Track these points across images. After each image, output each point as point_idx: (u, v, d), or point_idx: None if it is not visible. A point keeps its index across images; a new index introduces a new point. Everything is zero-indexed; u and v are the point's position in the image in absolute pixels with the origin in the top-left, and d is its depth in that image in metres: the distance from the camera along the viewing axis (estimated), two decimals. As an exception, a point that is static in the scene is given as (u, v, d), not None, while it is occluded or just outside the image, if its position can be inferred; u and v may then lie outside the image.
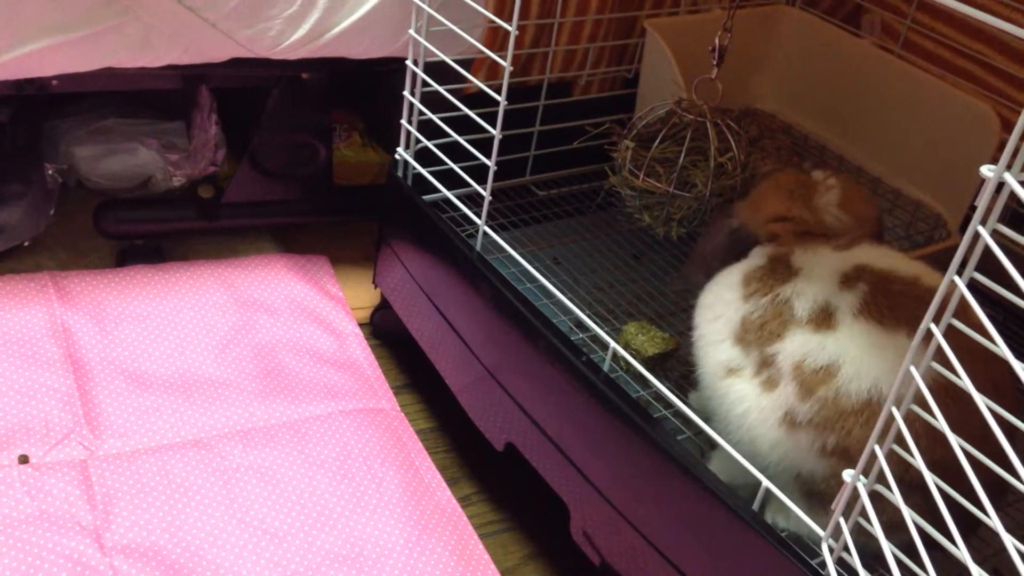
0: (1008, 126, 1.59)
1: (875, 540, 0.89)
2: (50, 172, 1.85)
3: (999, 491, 0.88)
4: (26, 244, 1.80)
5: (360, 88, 2.08)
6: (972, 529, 0.96)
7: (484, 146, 1.44)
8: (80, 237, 1.88)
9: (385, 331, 1.88)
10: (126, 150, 1.95)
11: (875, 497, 0.92)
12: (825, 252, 1.21)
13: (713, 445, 1.21)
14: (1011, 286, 0.75)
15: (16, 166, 1.82)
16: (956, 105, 1.66)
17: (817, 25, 1.90)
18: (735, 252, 1.25)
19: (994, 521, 0.76)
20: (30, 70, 1.53)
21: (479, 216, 1.49)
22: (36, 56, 1.48)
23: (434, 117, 1.54)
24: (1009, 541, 0.73)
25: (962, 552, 0.80)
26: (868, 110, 1.83)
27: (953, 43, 1.80)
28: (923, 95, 1.72)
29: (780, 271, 1.19)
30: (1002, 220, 0.76)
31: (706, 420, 1.19)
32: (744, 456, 1.13)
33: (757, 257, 1.24)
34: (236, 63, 1.66)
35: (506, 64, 1.35)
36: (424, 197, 1.61)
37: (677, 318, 1.49)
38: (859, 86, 1.83)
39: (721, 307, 1.21)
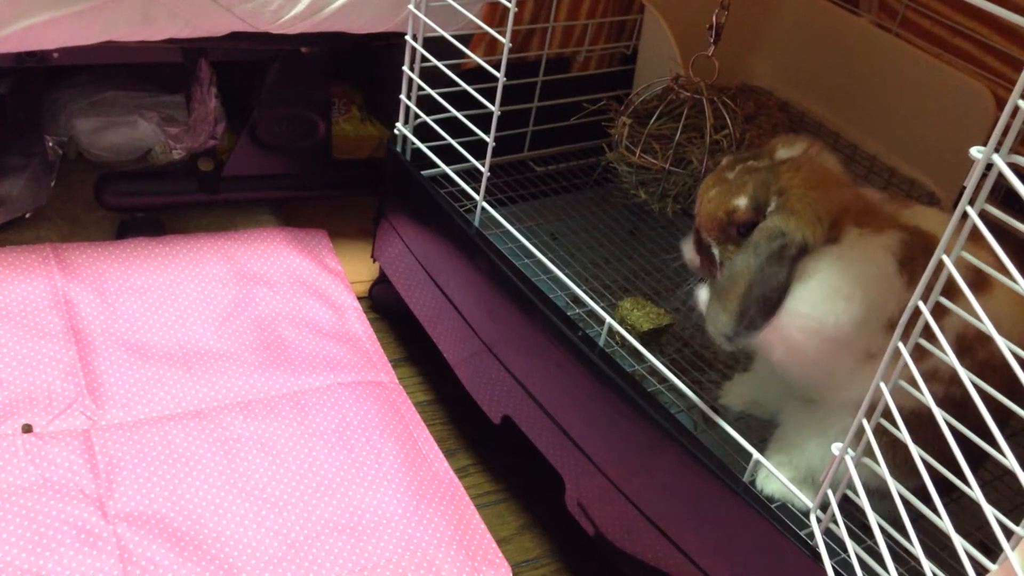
0: (1003, 106, 1.60)
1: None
2: (51, 144, 1.86)
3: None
4: (27, 216, 1.81)
5: (359, 62, 2.09)
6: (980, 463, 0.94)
7: (482, 121, 1.45)
8: (81, 209, 1.89)
9: (384, 305, 1.90)
10: (126, 123, 1.96)
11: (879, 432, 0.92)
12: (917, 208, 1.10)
13: (708, 420, 1.23)
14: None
15: (17, 138, 1.83)
16: (952, 84, 1.67)
17: (815, 2, 1.90)
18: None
19: (976, 492, 0.78)
20: (31, 43, 1.53)
21: (477, 191, 1.50)
22: (37, 29, 1.48)
23: (433, 92, 1.54)
24: (989, 511, 0.75)
25: (945, 523, 0.82)
26: (865, 88, 1.84)
27: (950, 22, 1.81)
28: (919, 74, 1.72)
29: (924, 242, 1.04)
30: (995, 199, 0.77)
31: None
32: None
33: (884, 245, 1.05)
34: (236, 37, 1.67)
35: (505, 40, 1.36)
36: (423, 172, 1.62)
37: (672, 294, 1.51)
38: (856, 64, 1.84)
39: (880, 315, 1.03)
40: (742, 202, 1.09)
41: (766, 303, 1.04)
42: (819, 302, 1.04)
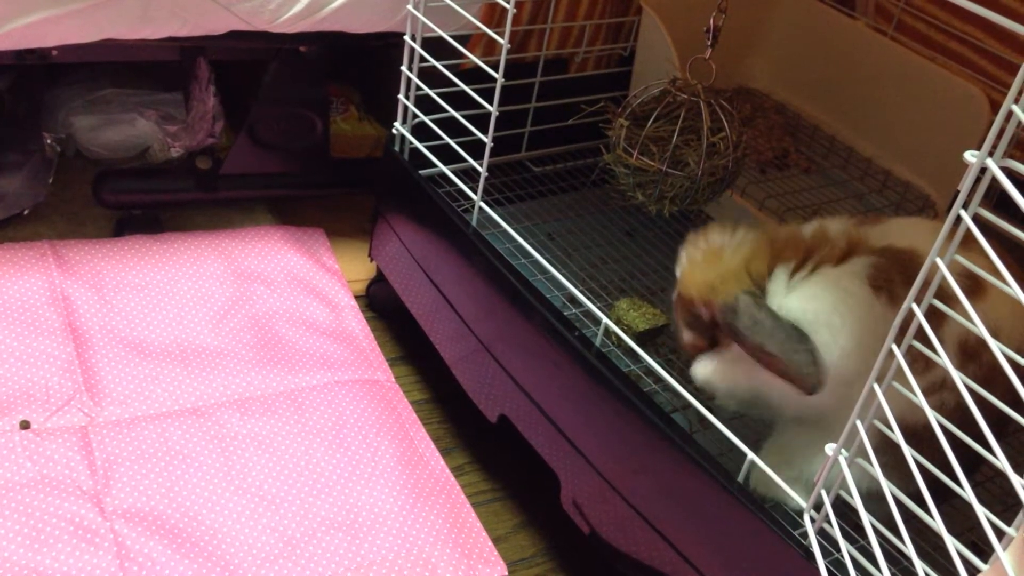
0: (998, 109, 1.61)
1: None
2: (49, 141, 1.87)
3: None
4: (25, 213, 1.81)
5: (358, 62, 2.09)
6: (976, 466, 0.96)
7: (480, 122, 1.46)
8: (79, 206, 1.90)
9: (380, 303, 1.90)
10: (125, 121, 1.96)
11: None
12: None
13: (703, 420, 1.24)
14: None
15: (15, 135, 1.83)
16: (947, 87, 1.68)
17: (811, 5, 1.91)
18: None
19: (969, 495, 0.79)
20: (30, 41, 1.53)
21: (475, 191, 1.51)
22: (37, 27, 1.49)
23: (431, 92, 1.55)
24: (981, 512, 0.76)
25: (938, 524, 0.83)
26: (860, 91, 1.85)
27: (946, 26, 1.82)
28: (915, 77, 1.73)
29: (898, 261, 1.07)
30: (989, 202, 0.78)
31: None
32: None
33: (856, 273, 1.09)
34: (234, 36, 1.67)
35: (503, 41, 1.36)
36: (420, 172, 1.62)
37: (668, 294, 1.51)
38: (852, 67, 1.85)
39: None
40: (686, 335, 1.23)
41: (791, 335, 1.08)
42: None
